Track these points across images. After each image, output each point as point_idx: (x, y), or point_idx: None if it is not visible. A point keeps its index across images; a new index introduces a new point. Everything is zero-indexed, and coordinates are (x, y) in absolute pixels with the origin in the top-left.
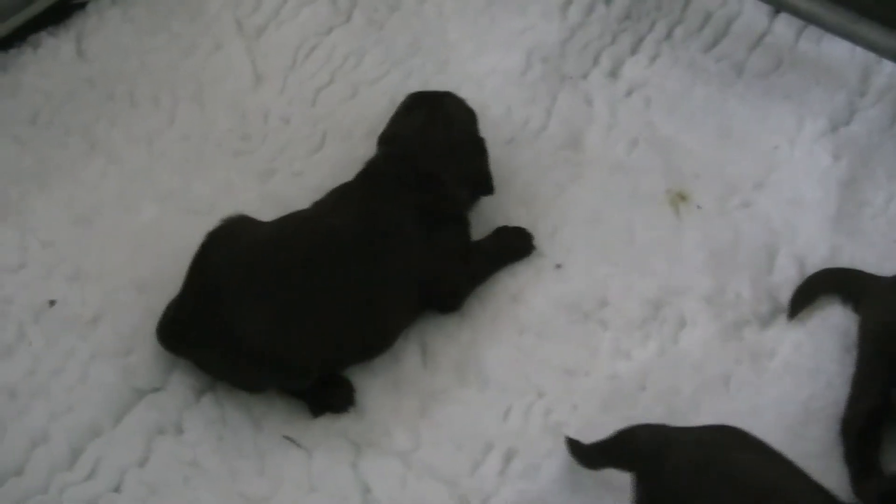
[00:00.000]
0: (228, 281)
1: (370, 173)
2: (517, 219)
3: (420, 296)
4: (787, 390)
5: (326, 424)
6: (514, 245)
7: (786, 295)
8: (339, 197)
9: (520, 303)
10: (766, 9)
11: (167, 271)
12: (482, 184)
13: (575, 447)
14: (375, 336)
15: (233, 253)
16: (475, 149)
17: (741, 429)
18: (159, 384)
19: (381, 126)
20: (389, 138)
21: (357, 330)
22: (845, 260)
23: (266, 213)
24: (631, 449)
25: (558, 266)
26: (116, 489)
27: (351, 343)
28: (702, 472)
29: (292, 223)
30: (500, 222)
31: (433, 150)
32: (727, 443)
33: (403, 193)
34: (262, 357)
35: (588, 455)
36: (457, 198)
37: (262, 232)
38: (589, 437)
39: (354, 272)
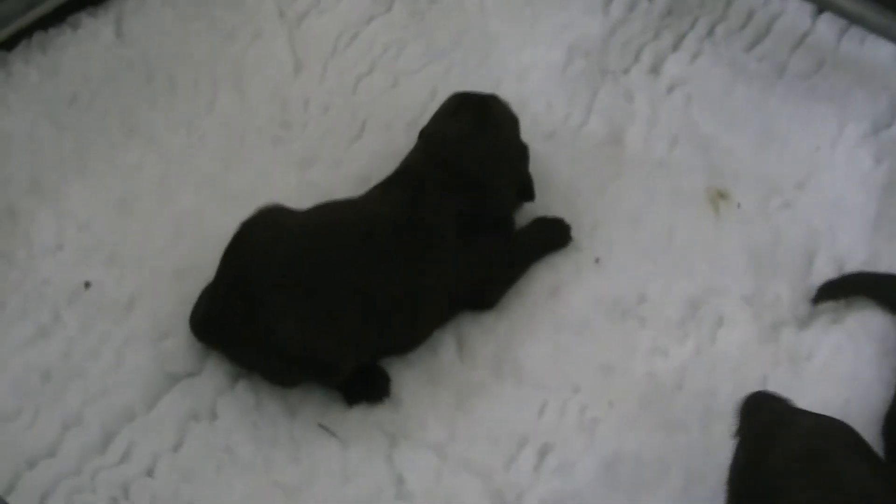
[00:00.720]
0: (262, 275)
1: (413, 172)
2: (556, 214)
3: (458, 296)
4: (825, 393)
5: (362, 415)
6: (552, 235)
7: None
8: (380, 192)
9: (558, 298)
10: (808, 8)
11: (204, 257)
12: (524, 190)
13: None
14: (411, 332)
15: (266, 246)
16: (519, 156)
17: (852, 428)
18: (194, 370)
19: (421, 117)
20: (434, 138)
21: (393, 326)
22: (884, 264)
23: (304, 201)
24: (749, 416)
25: (597, 261)
26: (149, 474)
27: (386, 339)
28: (806, 464)
29: (329, 214)
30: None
31: (481, 156)
32: (839, 440)
33: (447, 196)
34: (295, 353)
35: None
36: (502, 204)
37: (297, 223)
38: (625, 434)
39: (392, 268)
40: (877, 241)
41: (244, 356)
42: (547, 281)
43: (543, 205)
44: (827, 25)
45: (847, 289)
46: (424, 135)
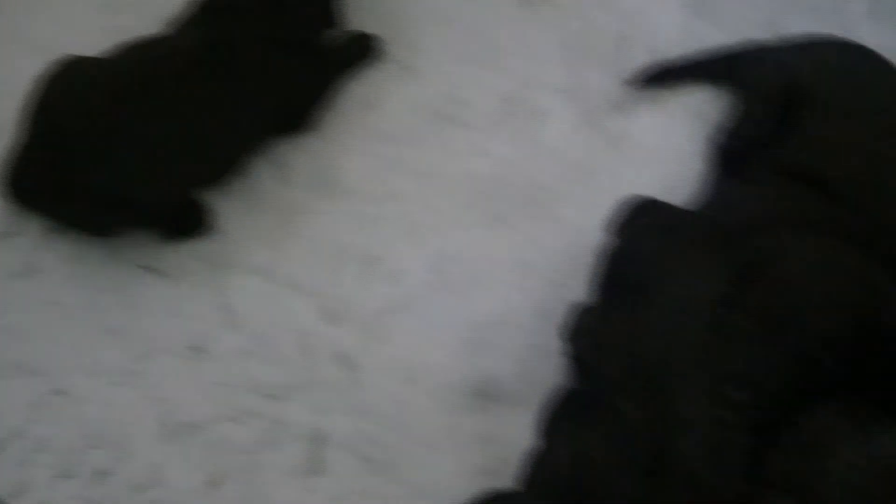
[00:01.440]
0: (66, 125)
1: (212, 4)
2: (363, 27)
3: (270, 120)
4: (648, 172)
5: (185, 251)
6: (360, 49)
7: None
8: (182, 27)
9: (373, 109)
10: None
11: (10, 114)
12: (326, 16)
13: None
14: (225, 160)
15: (68, 96)
16: None
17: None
18: (9, 229)
19: None
20: None
21: (207, 157)
22: (697, 42)
23: (110, 46)
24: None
25: (409, 70)
26: None
27: (201, 170)
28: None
29: (131, 54)
30: None
31: None
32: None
33: (249, 22)
34: (109, 199)
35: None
36: (304, 25)
37: (99, 68)
38: (451, 235)
39: (201, 99)
40: (691, 21)
41: (59, 210)
42: (360, 94)
43: (349, 19)
44: None
45: (665, 75)
46: None
